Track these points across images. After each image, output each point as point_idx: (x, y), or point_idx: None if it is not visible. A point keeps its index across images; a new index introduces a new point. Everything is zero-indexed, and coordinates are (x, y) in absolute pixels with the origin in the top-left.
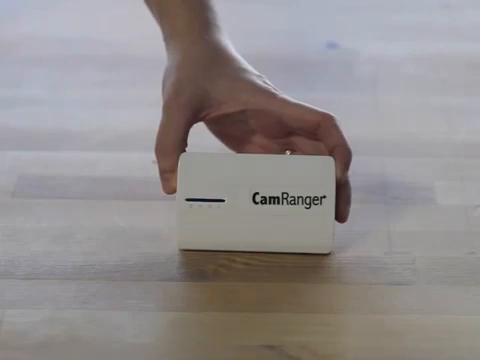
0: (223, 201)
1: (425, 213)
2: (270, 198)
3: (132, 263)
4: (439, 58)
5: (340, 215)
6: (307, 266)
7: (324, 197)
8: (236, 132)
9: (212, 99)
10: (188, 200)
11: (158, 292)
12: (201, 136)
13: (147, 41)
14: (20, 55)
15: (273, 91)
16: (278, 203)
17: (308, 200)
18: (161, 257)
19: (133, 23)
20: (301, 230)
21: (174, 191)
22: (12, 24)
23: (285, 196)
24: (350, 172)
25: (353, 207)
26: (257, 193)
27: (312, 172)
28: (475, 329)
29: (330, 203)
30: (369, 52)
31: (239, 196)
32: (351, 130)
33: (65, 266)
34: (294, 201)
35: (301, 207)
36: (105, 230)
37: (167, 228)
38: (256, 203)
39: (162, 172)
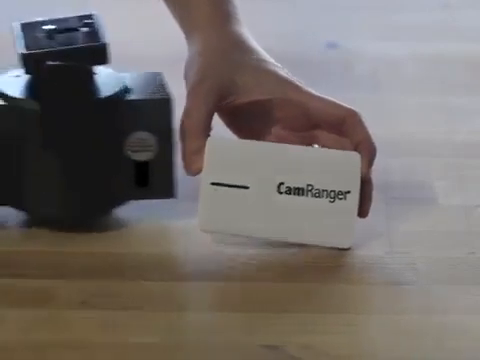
0: (247, 188)
1: (425, 213)
2: (295, 189)
3: (132, 263)
4: (439, 58)
5: (363, 211)
6: (307, 266)
7: (348, 192)
8: (256, 123)
9: (239, 87)
10: (213, 184)
11: (158, 292)
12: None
13: (147, 41)
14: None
15: (298, 83)
16: (302, 194)
17: (332, 194)
18: (161, 257)
19: (133, 23)
20: (323, 223)
21: (199, 172)
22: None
23: (310, 188)
24: None
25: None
26: (282, 183)
27: (338, 166)
28: (475, 329)
29: (354, 199)
30: (369, 52)
31: (264, 184)
32: None
33: (65, 265)
34: (318, 194)
35: (325, 200)
36: (105, 230)
37: (167, 228)
38: (280, 193)
39: (189, 154)
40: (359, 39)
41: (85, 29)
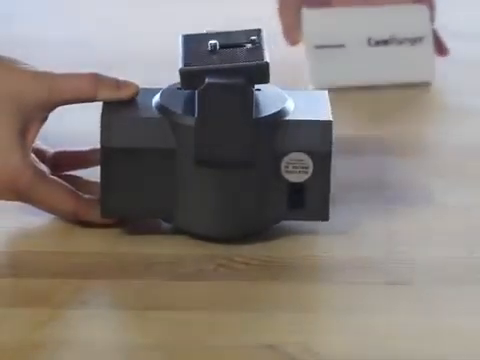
0: (344, 46)
1: (425, 213)
2: (381, 41)
3: (132, 263)
4: (439, 58)
5: (442, 50)
6: (307, 266)
7: (424, 37)
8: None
9: None
10: (316, 47)
11: (158, 292)
12: None
13: (147, 41)
14: (20, 55)
15: None
16: (387, 44)
17: (411, 40)
18: (161, 257)
19: (133, 23)
20: (408, 65)
21: (297, 43)
22: (12, 24)
23: (393, 38)
24: (351, 171)
25: (353, 207)
26: (371, 38)
27: (411, 18)
28: (475, 329)
29: (429, 41)
30: None
31: (356, 41)
32: (351, 130)
33: (65, 265)
34: (400, 42)
35: (406, 46)
36: (104, 229)
37: (167, 227)
38: (370, 45)
39: (288, 28)
40: None
41: (249, 45)
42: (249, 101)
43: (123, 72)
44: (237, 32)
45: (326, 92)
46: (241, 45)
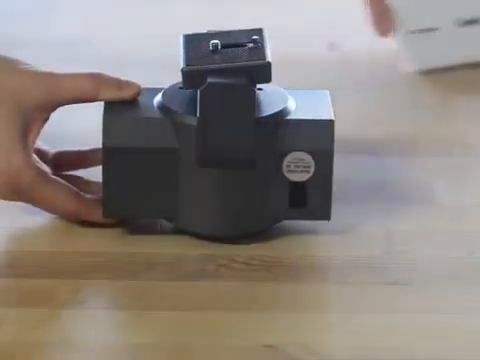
0: (437, 29)
1: (425, 213)
2: (471, 20)
3: (132, 263)
4: None
5: None
6: (307, 266)
7: None
8: None
9: None
10: (409, 32)
11: (158, 292)
12: None
13: (147, 41)
14: (21, 55)
15: None
16: (476, 23)
17: None
18: (162, 257)
19: (133, 23)
20: None
21: (388, 33)
22: (13, 24)
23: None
24: (351, 171)
25: (353, 207)
26: (460, 18)
27: None
28: (475, 329)
29: None
30: (369, 52)
31: (446, 22)
32: (351, 129)
33: (64, 265)
34: None
35: None
36: (104, 229)
37: (167, 228)
38: (460, 25)
39: (378, 18)
40: (359, 39)
41: (251, 45)
42: (251, 101)
43: (123, 72)
44: (238, 32)
45: (327, 92)
46: (243, 45)
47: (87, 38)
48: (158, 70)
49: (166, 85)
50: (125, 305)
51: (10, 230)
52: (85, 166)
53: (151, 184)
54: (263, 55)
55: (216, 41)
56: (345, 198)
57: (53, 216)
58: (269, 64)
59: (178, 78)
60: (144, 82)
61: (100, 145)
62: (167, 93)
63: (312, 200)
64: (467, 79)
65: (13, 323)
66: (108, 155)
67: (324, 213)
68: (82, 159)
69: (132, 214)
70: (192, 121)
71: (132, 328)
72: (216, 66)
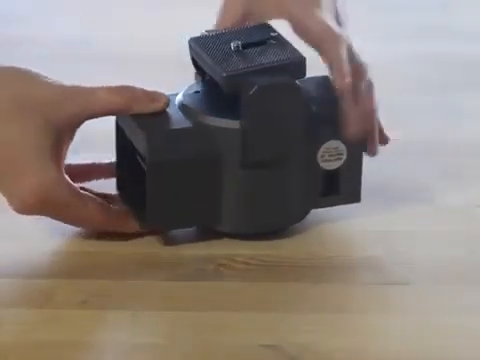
0: None
1: (425, 213)
2: None
3: (132, 263)
4: (439, 58)
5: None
6: (307, 266)
7: None
8: None
9: (257, 7)
10: None
11: (158, 292)
12: None
13: (147, 41)
14: (20, 55)
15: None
16: None
17: None
18: (161, 257)
19: (133, 23)
20: None
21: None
22: (13, 24)
23: None
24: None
25: (353, 207)
26: None
27: None
28: (475, 329)
29: None
30: (368, 52)
31: None
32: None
33: (65, 265)
34: None
35: None
36: (105, 230)
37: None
38: None
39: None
40: (358, 39)
41: (272, 42)
42: (300, 97)
43: (123, 72)
44: (246, 29)
45: (328, 76)
46: (262, 42)
47: (87, 38)
48: (158, 70)
49: (166, 85)
50: (125, 305)
51: (10, 230)
52: (98, 178)
53: (195, 192)
54: (294, 50)
55: (237, 42)
56: None
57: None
58: (305, 59)
59: (178, 78)
60: (144, 82)
61: (99, 149)
62: (187, 99)
63: (344, 186)
64: (467, 78)
65: (13, 323)
66: (154, 170)
67: (355, 196)
68: (93, 171)
69: (174, 224)
70: (234, 125)
71: (132, 328)
72: (257, 67)
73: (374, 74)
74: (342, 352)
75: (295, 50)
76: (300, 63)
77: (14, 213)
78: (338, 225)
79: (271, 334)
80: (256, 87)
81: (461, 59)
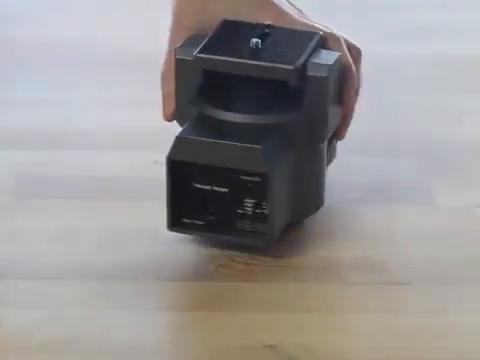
0: None
1: (425, 213)
2: None
3: (132, 263)
4: (439, 58)
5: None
6: (307, 266)
7: None
8: None
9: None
10: None
11: (158, 292)
12: None
13: (147, 41)
14: (21, 55)
15: (281, 9)
16: None
17: None
18: (161, 257)
19: (133, 23)
20: None
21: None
22: (13, 24)
23: None
24: (351, 171)
25: (353, 207)
26: None
27: None
28: (475, 329)
29: None
30: (369, 52)
31: None
32: (351, 130)
33: (65, 266)
34: None
35: None
36: (105, 230)
37: (166, 228)
38: None
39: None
40: (359, 39)
41: (273, 31)
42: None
43: (123, 72)
44: (237, 30)
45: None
46: (267, 34)
47: (87, 38)
48: (158, 70)
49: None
50: (125, 305)
51: (10, 230)
52: None
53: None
54: (302, 28)
55: (256, 39)
56: (345, 198)
57: (52, 216)
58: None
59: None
60: (144, 82)
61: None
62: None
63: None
64: (467, 78)
65: (14, 323)
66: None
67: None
68: None
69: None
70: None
71: (132, 328)
72: (308, 51)
73: (374, 74)
74: (342, 352)
75: (301, 28)
76: (321, 36)
77: (14, 213)
78: (338, 225)
79: (271, 334)
80: (323, 78)
81: (461, 59)
